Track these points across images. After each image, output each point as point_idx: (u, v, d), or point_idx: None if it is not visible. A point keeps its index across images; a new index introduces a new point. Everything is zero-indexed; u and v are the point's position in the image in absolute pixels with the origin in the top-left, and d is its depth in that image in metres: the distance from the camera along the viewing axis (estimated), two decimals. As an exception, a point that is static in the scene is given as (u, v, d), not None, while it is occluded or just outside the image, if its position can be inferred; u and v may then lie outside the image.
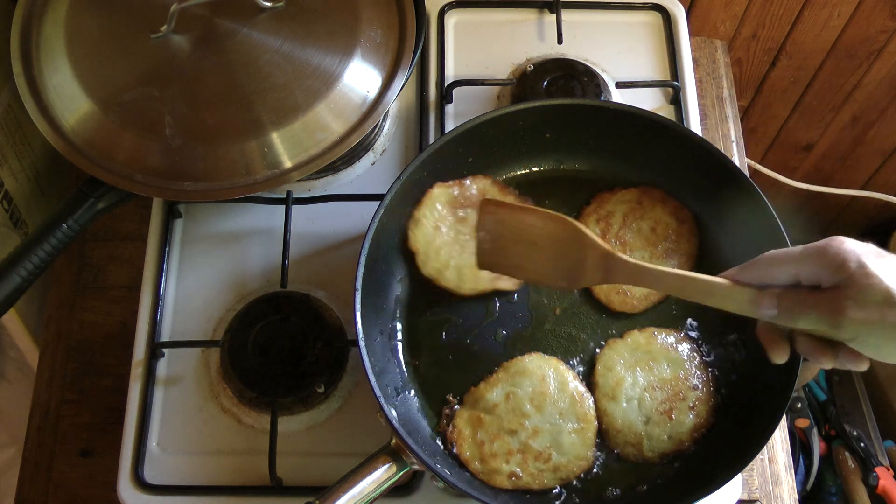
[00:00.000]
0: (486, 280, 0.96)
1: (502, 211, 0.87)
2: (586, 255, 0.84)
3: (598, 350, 0.96)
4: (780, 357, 0.78)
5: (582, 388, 0.93)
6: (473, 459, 0.89)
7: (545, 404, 0.91)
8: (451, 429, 0.91)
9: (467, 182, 1.00)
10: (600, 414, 0.93)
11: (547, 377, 0.92)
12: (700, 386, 0.93)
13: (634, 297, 0.98)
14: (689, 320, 0.98)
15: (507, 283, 0.97)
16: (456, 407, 0.93)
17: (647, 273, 0.82)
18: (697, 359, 0.95)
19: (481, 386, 0.93)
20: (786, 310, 0.74)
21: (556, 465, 0.89)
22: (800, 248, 0.75)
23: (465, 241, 0.97)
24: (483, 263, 0.89)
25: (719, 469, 0.85)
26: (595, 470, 0.91)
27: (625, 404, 0.92)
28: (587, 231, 0.84)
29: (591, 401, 0.93)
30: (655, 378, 0.94)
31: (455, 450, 0.90)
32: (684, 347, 0.95)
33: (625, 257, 0.82)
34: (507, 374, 0.93)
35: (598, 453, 0.92)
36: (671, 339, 0.96)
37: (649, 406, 0.92)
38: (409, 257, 0.98)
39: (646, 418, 0.92)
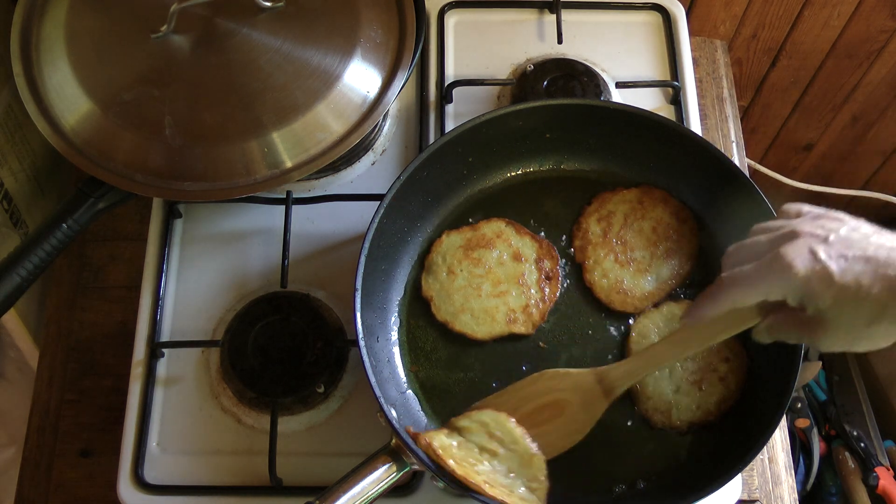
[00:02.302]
0: (502, 324, 0.96)
1: (491, 402, 0.89)
2: (583, 390, 0.88)
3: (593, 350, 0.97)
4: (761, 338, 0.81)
5: (534, 448, 0.86)
6: (448, 457, 0.83)
7: (494, 460, 0.86)
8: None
9: (479, 225, 1.00)
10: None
11: (494, 434, 0.86)
12: (731, 358, 0.94)
13: (635, 296, 0.98)
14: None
15: (522, 326, 0.97)
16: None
17: (638, 360, 0.87)
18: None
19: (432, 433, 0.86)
20: (781, 338, 0.77)
21: (520, 496, 0.84)
22: (754, 272, 0.73)
23: (480, 284, 0.97)
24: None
25: (719, 469, 0.85)
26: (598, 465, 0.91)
27: (656, 372, 0.93)
28: (565, 370, 0.89)
29: (542, 462, 0.86)
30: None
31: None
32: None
33: (610, 367, 0.88)
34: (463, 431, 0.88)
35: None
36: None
37: (680, 375, 0.93)
38: (424, 303, 0.98)
39: (676, 387, 0.93)
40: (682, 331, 0.85)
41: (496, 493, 0.81)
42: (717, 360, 0.94)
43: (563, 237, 1.02)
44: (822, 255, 0.70)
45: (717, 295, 0.76)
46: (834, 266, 0.69)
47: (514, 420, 0.86)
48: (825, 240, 0.71)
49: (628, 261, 0.99)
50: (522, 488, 0.85)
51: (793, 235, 0.72)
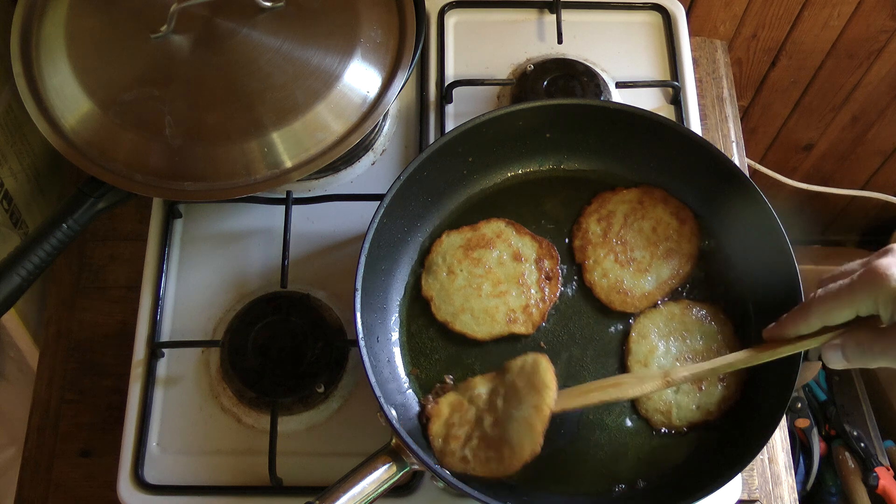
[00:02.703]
0: (502, 324, 0.96)
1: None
2: (645, 377, 0.87)
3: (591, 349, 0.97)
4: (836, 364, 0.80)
5: (549, 382, 0.89)
6: (438, 437, 0.88)
7: (512, 397, 0.89)
8: (432, 405, 0.91)
9: (479, 225, 1.00)
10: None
11: (524, 369, 0.90)
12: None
13: (635, 296, 0.98)
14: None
15: (522, 326, 0.97)
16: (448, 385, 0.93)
17: (707, 366, 0.85)
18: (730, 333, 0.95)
19: (478, 378, 0.93)
20: (855, 359, 0.76)
21: (502, 455, 0.87)
22: (847, 285, 0.74)
23: (480, 284, 0.97)
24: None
25: (719, 469, 0.85)
26: (597, 464, 0.91)
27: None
28: (634, 375, 0.89)
29: (553, 395, 0.88)
30: (688, 349, 0.94)
31: (427, 423, 0.90)
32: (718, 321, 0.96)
33: (681, 373, 0.86)
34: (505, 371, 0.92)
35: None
36: (705, 312, 0.96)
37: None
38: (424, 303, 0.98)
39: (676, 387, 0.92)
40: (763, 346, 0.84)
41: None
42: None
43: (564, 238, 1.02)
44: None
45: (809, 312, 0.77)
46: None
47: (546, 360, 0.88)
48: None
49: (628, 261, 0.99)
50: (523, 413, 0.87)
51: (886, 251, 0.73)
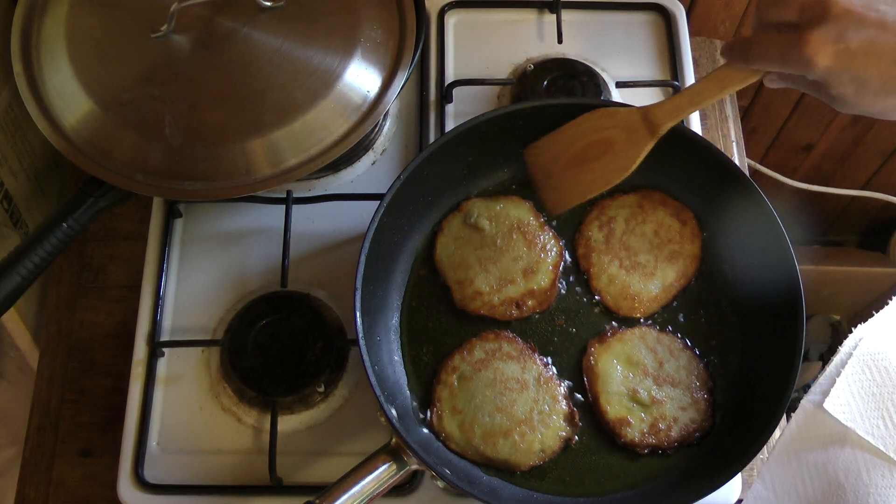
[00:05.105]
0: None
1: (543, 144, 0.94)
2: (630, 127, 0.90)
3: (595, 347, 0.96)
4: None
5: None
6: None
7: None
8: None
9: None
10: (597, 403, 0.93)
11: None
12: (697, 384, 0.94)
13: (643, 301, 0.97)
14: (687, 321, 0.98)
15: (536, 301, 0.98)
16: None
17: (682, 98, 0.88)
18: (695, 360, 0.95)
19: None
20: (755, 59, 0.79)
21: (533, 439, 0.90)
22: (779, 52, 0.77)
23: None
24: (555, 207, 0.94)
25: (719, 469, 0.85)
26: (595, 465, 0.92)
27: (618, 397, 0.93)
28: (613, 108, 0.92)
29: (562, 390, 0.94)
30: (652, 375, 0.94)
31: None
32: (683, 347, 0.96)
33: (655, 105, 0.89)
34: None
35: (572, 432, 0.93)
36: (669, 339, 0.96)
37: (644, 399, 0.92)
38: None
39: (641, 410, 0.92)
40: (724, 70, 0.85)
41: None
42: (682, 386, 0.94)
43: (569, 238, 1.02)
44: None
45: (749, 55, 0.80)
46: None
47: None
48: None
49: (633, 265, 0.99)
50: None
51: (820, 20, 0.75)
